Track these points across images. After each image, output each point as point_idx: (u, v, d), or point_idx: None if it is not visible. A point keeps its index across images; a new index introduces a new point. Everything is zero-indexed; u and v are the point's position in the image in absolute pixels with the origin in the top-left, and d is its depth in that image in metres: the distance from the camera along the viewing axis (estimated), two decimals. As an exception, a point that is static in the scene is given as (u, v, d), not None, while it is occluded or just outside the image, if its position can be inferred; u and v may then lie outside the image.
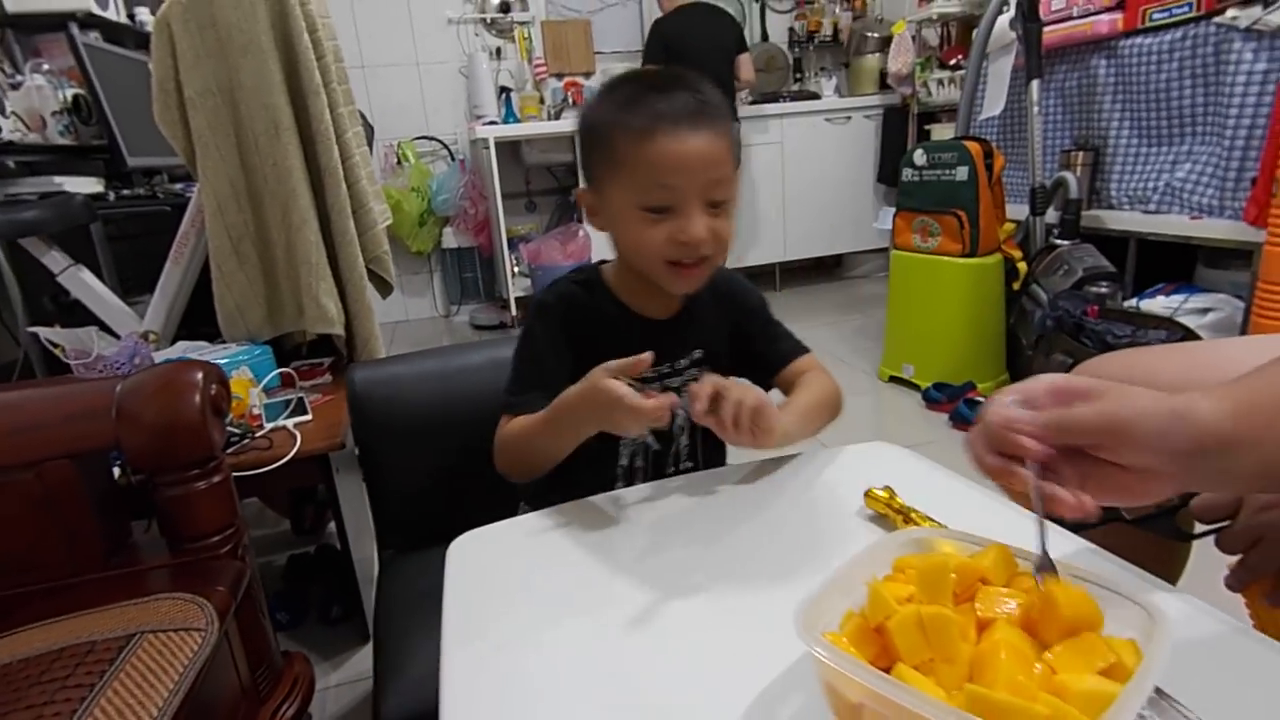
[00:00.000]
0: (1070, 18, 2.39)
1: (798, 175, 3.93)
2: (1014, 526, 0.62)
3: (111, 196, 1.89)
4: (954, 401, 2.21)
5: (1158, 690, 0.42)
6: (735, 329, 0.86)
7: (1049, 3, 2.44)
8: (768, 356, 0.86)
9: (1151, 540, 0.68)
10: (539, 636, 0.53)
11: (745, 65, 3.41)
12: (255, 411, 1.32)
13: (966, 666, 0.39)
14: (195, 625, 0.80)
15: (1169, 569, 0.75)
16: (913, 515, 0.63)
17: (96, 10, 2.17)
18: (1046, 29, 2.38)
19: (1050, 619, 0.40)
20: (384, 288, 1.83)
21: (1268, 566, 0.58)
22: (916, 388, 2.44)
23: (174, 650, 0.76)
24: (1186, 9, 2.06)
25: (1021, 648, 0.39)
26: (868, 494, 0.67)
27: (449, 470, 1.03)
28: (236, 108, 1.37)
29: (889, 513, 0.65)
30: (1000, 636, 0.40)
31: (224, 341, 1.52)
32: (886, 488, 0.67)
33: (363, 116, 2.23)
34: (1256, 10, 1.87)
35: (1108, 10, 2.28)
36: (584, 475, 0.78)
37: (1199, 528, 0.65)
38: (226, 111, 1.37)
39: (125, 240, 2.02)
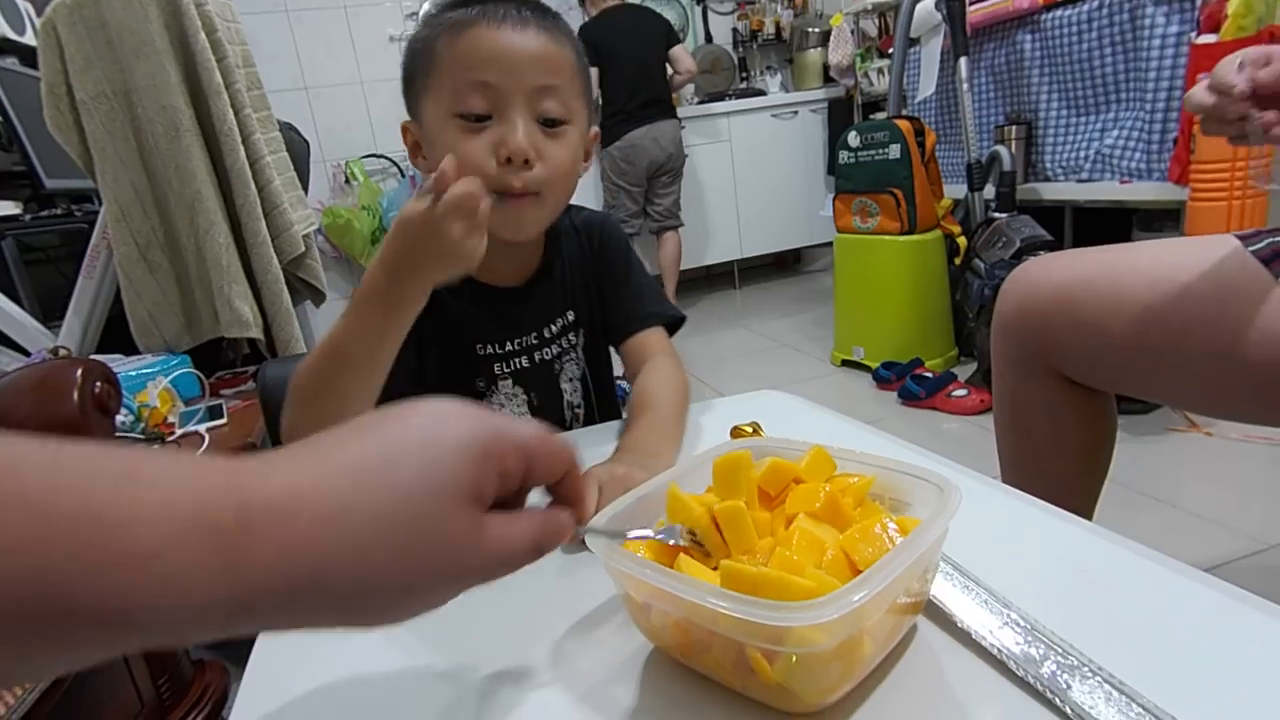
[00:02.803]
0: (991, -5, 2.43)
1: (748, 173, 3.95)
2: (868, 445, 0.61)
3: (27, 218, 1.85)
4: (902, 379, 2.21)
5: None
6: (600, 281, 0.78)
7: (970, -18, 2.47)
8: (617, 319, 0.77)
9: None
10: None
11: (682, 56, 3.36)
12: (170, 420, 1.29)
13: (766, 557, 0.38)
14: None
15: None
16: (756, 433, 0.62)
17: (12, 35, 2.14)
18: (971, 7, 2.42)
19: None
20: (316, 296, 1.80)
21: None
22: (868, 369, 2.43)
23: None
24: (1099, -22, 2.10)
25: (817, 535, 0.38)
26: (734, 429, 0.66)
27: None
28: (133, 110, 1.34)
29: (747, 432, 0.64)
30: (796, 526, 0.38)
31: (140, 354, 1.49)
32: (753, 422, 0.66)
33: (295, 129, 2.22)
34: (1162, -28, 1.90)
35: (1026, -16, 2.32)
36: None
37: None
38: (123, 114, 1.34)
39: (49, 263, 1.98)
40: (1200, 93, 0.62)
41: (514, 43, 0.60)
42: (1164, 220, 2.19)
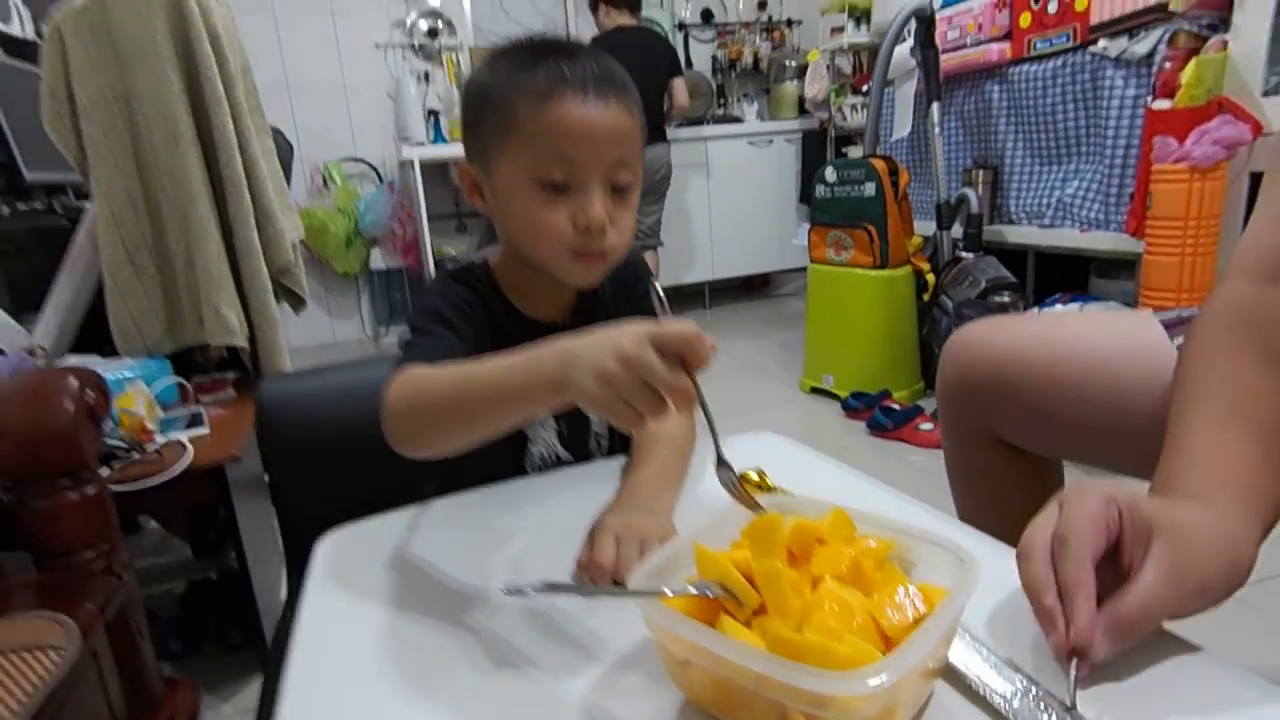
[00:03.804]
0: (964, 46, 2.54)
1: (724, 197, 4.03)
2: (868, 499, 0.65)
3: (5, 211, 1.79)
4: (870, 409, 2.28)
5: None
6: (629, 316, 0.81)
7: (944, 32, 2.58)
8: None
9: None
10: (396, 651, 0.51)
11: (679, 89, 3.44)
12: (149, 427, 1.27)
13: (797, 619, 0.41)
14: (52, 644, 0.75)
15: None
16: (773, 490, 0.65)
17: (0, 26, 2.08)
18: (943, 56, 2.52)
19: (858, 572, 0.43)
20: (297, 303, 1.79)
21: None
22: (837, 397, 2.50)
23: (23, 672, 0.71)
24: (1065, 39, 2.21)
25: (846, 599, 0.41)
26: (742, 478, 0.69)
27: (363, 489, 0.95)
28: (133, 116, 1.33)
29: (758, 493, 0.67)
30: (825, 589, 0.42)
31: (120, 357, 1.46)
32: (759, 470, 0.69)
33: (281, 134, 2.20)
34: (1124, 41, 2.02)
35: (997, 40, 2.44)
36: (501, 454, 0.71)
37: None
38: (122, 120, 1.33)
39: (22, 257, 1.92)
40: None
41: (596, 119, 0.62)
42: (1120, 269, 2.32)
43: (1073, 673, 0.40)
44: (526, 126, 0.62)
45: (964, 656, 0.43)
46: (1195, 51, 1.89)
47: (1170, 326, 0.77)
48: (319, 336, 3.90)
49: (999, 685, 0.41)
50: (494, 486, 0.71)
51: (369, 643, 0.51)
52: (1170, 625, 0.45)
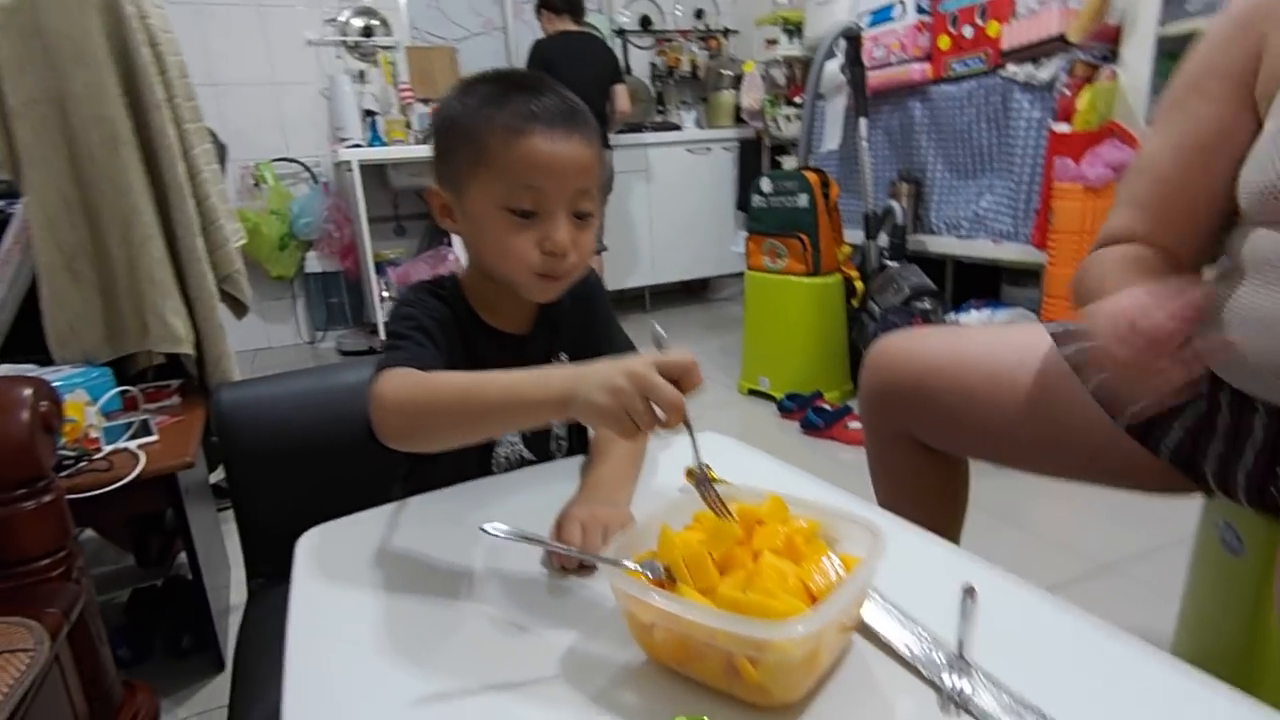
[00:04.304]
0: (889, 64, 2.71)
1: (664, 203, 4.13)
2: (797, 488, 0.74)
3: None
4: (803, 410, 2.40)
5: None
6: (585, 328, 0.85)
7: (871, 50, 2.74)
8: None
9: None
10: (390, 632, 0.56)
11: (621, 96, 3.50)
12: (93, 435, 1.26)
13: (745, 585, 0.48)
14: (22, 647, 0.77)
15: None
16: (719, 482, 0.73)
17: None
18: (870, 74, 2.68)
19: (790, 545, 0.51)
20: (238, 308, 1.78)
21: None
22: (773, 399, 2.62)
23: (-2, 673, 0.73)
24: (979, 63, 2.39)
25: (781, 568, 0.49)
26: (687, 471, 0.77)
27: (323, 494, 0.94)
28: (68, 118, 1.32)
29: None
30: (765, 560, 0.50)
31: (55, 364, 1.44)
32: (706, 465, 0.77)
33: (214, 135, 2.16)
34: (1030, 67, 2.20)
35: (918, 60, 2.60)
36: (468, 455, 0.76)
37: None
38: (56, 122, 1.31)
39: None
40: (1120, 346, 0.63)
41: (562, 153, 0.68)
42: (1028, 278, 2.51)
43: (961, 623, 0.49)
44: (498, 159, 0.68)
45: (876, 615, 0.52)
46: (1090, 80, 2.08)
47: (1059, 338, 0.89)
48: (253, 341, 3.81)
49: (904, 637, 0.50)
50: (464, 485, 0.76)
51: (360, 627, 0.56)
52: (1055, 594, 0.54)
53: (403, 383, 0.62)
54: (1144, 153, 0.85)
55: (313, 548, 0.69)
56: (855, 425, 2.25)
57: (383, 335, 3.52)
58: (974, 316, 2.54)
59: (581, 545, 0.60)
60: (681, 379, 0.52)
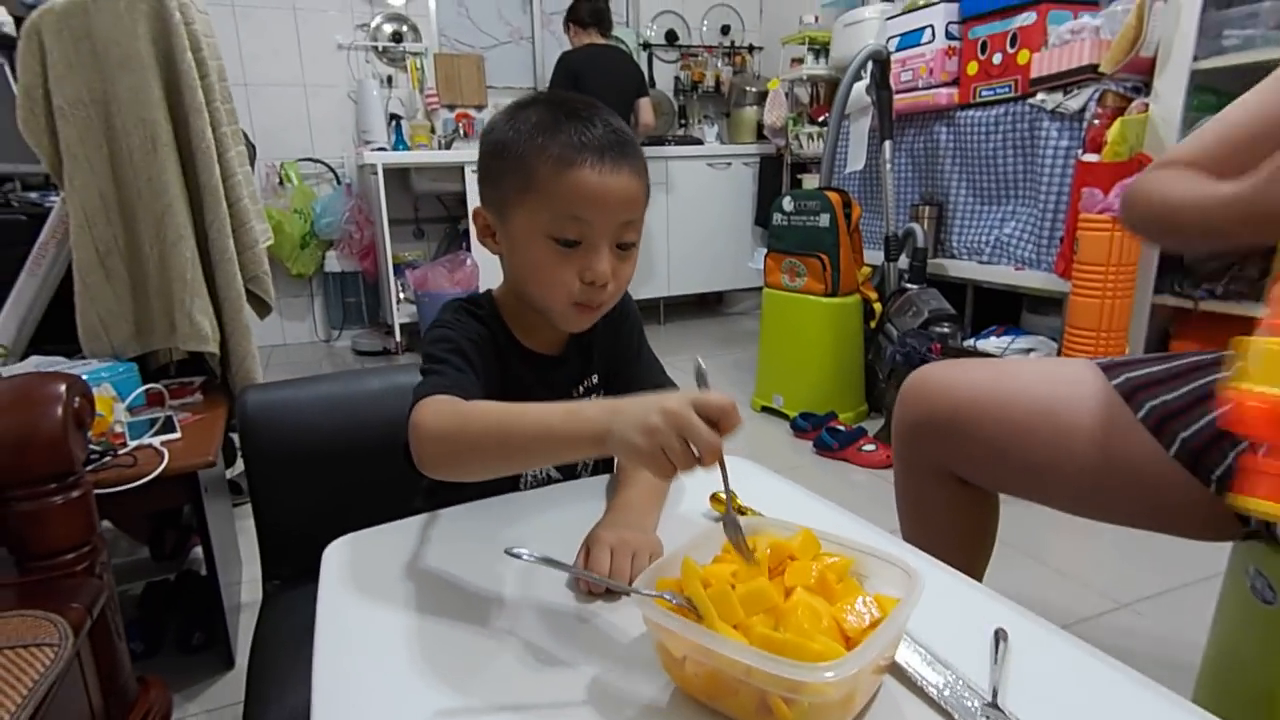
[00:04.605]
0: (916, 88, 2.71)
1: (682, 215, 4.14)
2: (826, 518, 0.74)
3: (-43, 203, 1.76)
4: (817, 430, 2.40)
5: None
6: (616, 352, 0.86)
7: (898, 73, 2.74)
8: (625, 388, 0.83)
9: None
10: (418, 647, 0.56)
11: (645, 109, 3.54)
12: (118, 430, 1.27)
13: (773, 621, 0.49)
14: (47, 641, 0.78)
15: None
16: (747, 512, 0.73)
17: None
18: (896, 97, 2.68)
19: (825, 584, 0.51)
20: (262, 308, 1.80)
21: None
22: (786, 417, 2.62)
23: (23, 666, 0.74)
24: (1007, 89, 2.39)
25: (814, 606, 0.49)
26: (712, 496, 0.77)
27: (344, 500, 0.96)
28: (110, 120, 1.34)
29: (731, 499, 0.74)
30: (798, 598, 0.50)
31: (84, 357, 1.46)
32: (731, 493, 0.77)
33: (245, 136, 2.20)
34: (1059, 96, 2.20)
35: (946, 85, 2.61)
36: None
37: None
38: (99, 124, 1.34)
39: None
40: None
41: (611, 186, 0.67)
42: (1050, 306, 2.50)
43: (994, 668, 0.49)
44: (545, 188, 0.67)
45: (906, 655, 0.52)
46: (1121, 111, 2.08)
47: (1108, 370, 0.87)
48: (269, 338, 3.85)
49: (934, 678, 0.50)
50: (491, 501, 0.77)
51: (387, 641, 0.56)
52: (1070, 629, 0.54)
53: (440, 413, 0.62)
54: (1233, 103, 0.86)
55: (340, 557, 0.69)
56: (869, 448, 2.24)
57: (398, 336, 3.55)
58: (993, 343, 2.53)
59: (610, 571, 0.61)
60: (721, 421, 0.50)
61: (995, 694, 0.48)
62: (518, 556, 0.54)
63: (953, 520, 0.99)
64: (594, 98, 0.74)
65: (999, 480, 0.96)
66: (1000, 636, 0.54)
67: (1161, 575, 1.59)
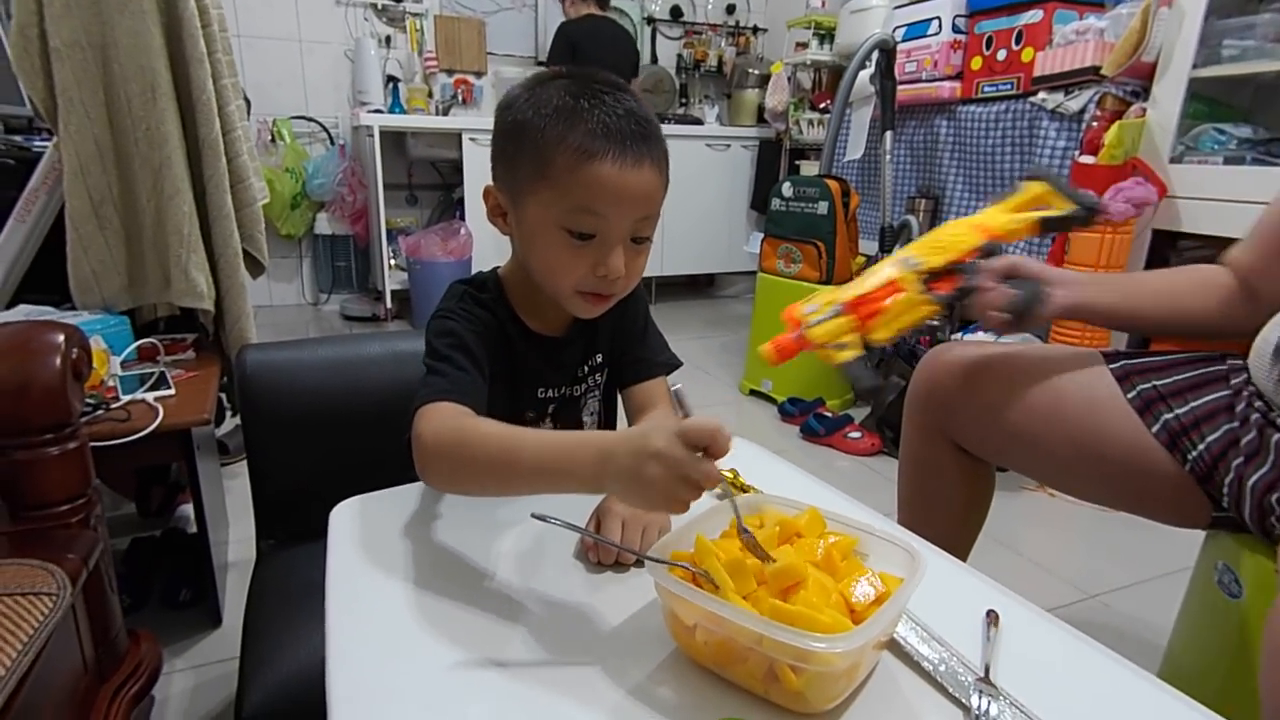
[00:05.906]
0: (919, 80, 2.71)
1: (677, 195, 4.08)
2: (824, 499, 0.75)
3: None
4: (804, 415, 2.42)
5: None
6: (621, 330, 0.85)
7: (902, 65, 2.74)
8: (630, 365, 0.85)
9: None
10: (426, 607, 0.57)
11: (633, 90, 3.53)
12: (110, 383, 1.26)
13: (781, 595, 0.50)
14: (45, 590, 0.78)
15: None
16: (750, 490, 0.74)
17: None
18: (900, 88, 2.68)
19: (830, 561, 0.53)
20: (255, 268, 1.78)
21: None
22: (774, 401, 2.64)
23: (21, 614, 0.74)
24: (1010, 86, 2.40)
25: (824, 582, 0.51)
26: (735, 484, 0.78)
27: (342, 461, 0.97)
28: (109, 65, 1.31)
29: (732, 490, 0.76)
30: (807, 573, 0.51)
31: (72, 308, 1.44)
32: (732, 469, 0.79)
33: (242, 92, 2.16)
34: (1060, 96, 2.21)
35: (949, 79, 2.61)
36: None
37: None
38: (96, 68, 1.31)
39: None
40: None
41: (630, 181, 0.64)
42: (1036, 303, 2.53)
43: (985, 646, 0.51)
44: (562, 179, 0.64)
45: (903, 631, 0.54)
46: (1119, 114, 2.09)
47: (1109, 357, 0.95)
48: (256, 298, 3.75)
49: (930, 654, 0.52)
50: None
51: (397, 601, 0.57)
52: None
53: (442, 431, 0.61)
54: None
55: (349, 518, 0.70)
56: (855, 435, 2.27)
57: (388, 303, 3.53)
58: (980, 336, 2.56)
59: (621, 542, 0.62)
60: (710, 447, 0.49)
61: (988, 670, 0.50)
62: (544, 519, 0.55)
63: (948, 488, 1.06)
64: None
65: (996, 449, 1.01)
66: (992, 617, 0.57)
67: (1129, 569, 1.64)
